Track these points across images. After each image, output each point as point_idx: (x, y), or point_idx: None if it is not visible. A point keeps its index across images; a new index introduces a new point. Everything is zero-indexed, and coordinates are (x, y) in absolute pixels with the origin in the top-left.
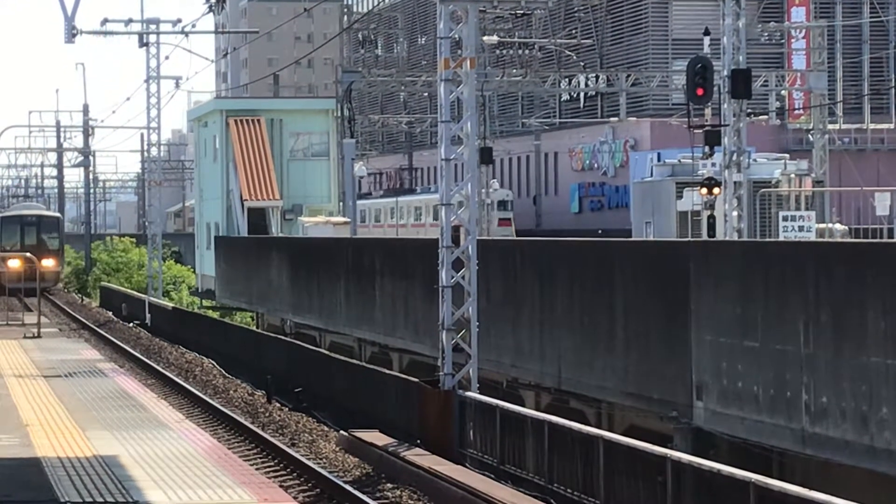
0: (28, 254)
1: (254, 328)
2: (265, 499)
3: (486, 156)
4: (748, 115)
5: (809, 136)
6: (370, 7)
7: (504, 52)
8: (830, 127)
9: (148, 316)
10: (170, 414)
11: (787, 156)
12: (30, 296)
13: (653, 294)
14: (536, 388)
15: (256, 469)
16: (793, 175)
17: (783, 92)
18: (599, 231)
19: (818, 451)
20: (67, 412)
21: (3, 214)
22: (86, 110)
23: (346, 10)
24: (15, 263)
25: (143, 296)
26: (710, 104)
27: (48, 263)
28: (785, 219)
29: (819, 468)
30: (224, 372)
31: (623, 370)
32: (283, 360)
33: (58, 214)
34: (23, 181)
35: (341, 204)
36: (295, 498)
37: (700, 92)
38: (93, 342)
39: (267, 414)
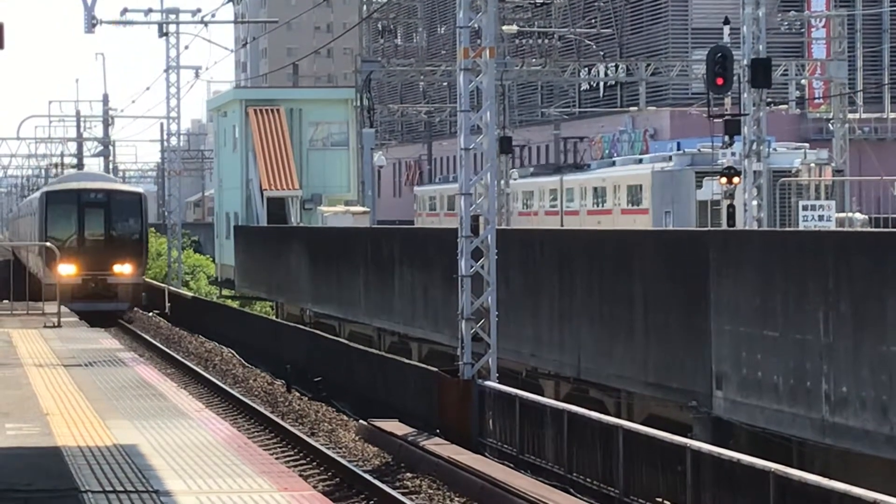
0: (91, 253)
1: (273, 318)
2: (285, 488)
3: (505, 145)
4: (768, 104)
5: (829, 125)
6: None
7: (523, 41)
8: (850, 116)
9: (167, 305)
10: (189, 403)
11: (806, 145)
12: (97, 322)
13: (672, 283)
14: (556, 377)
15: (276, 458)
16: (813, 164)
17: (803, 81)
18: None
19: (838, 440)
20: (87, 401)
21: (49, 188)
22: (105, 100)
23: None
24: (69, 270)
25: (162, 285)
26: (729, 93)
27: (123, 269)
28: (805, 208)
29: (839, 458)
30: (243, 361)
31: (643, 360)
32: (303, 350)
33: (139, 190)
34: (43, 171)
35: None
36: (314, 487)
37: (720, 81)
38: (112, 332)
39: (286, 403)
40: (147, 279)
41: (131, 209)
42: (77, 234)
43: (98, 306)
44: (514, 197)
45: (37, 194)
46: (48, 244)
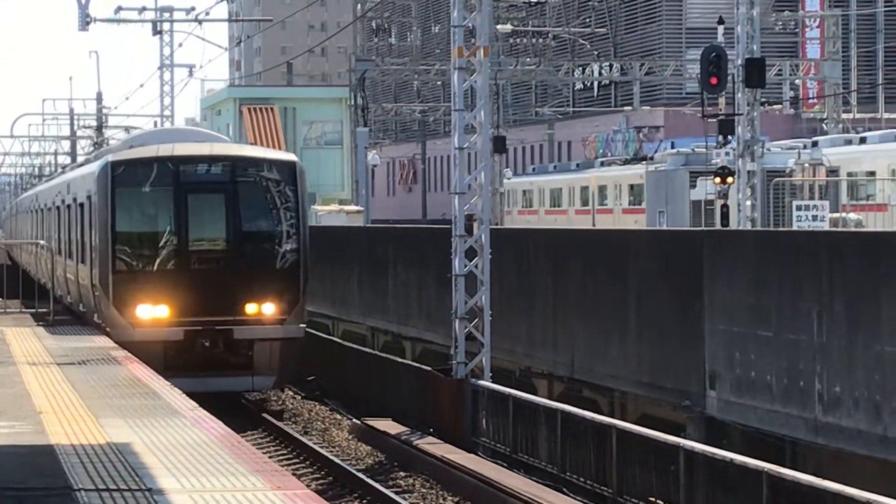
0: (202, 281)
1: None
2: (278, 486)
3: (499, 145)
4: (762, 104)
5: (823, 125)
6: None
7: (518, 40)
8: (844, 116)
9: None
10: (183, 402)
11: (800, 145)
12: (222, 394)
13: (666, 283)
14: (549, 377)
15: (269, 457)
16: (807, 164)
17: (797, 81)
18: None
19: (831, 440)
20: (81, 399)
21: (116, 156)
22: (99, 98)
23: None
24: (157, 314)
25: None
26: (724, 93)
27: (265, 311)
28: (798, 208)
29: (832, 458)
30: None
31: (636, 359)
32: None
33: (291, 157)
34: (36, 168)
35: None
36: (308, 486)
37: (714, 81)
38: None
39: (280, 402)
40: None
41: (278, 194)
42: (173, 246)
43: (218, 384)
44: (541, 193)
45: (80, 172)
46: (115, 250)
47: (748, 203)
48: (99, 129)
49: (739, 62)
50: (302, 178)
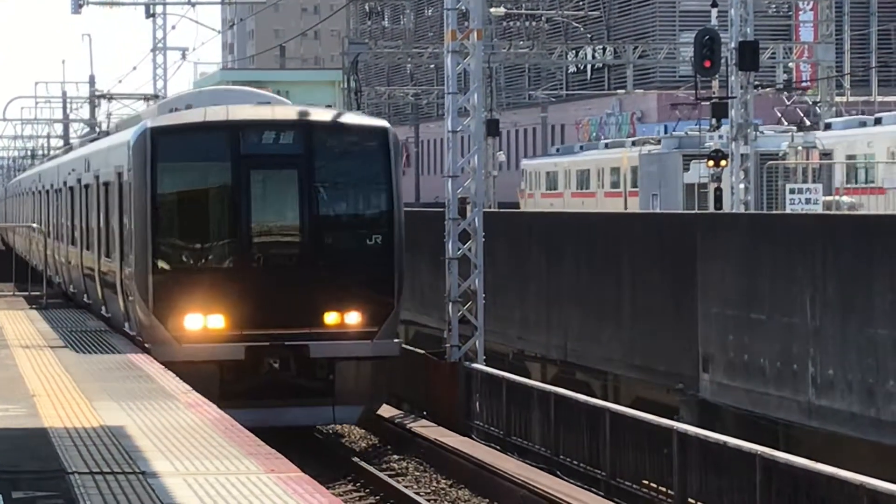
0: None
1: None
2: (272, 469)
3: (492, 128)
4: (755, 87)
5: (817, 108)
6: None
7: (511, 23)
8: (838, 99)
9: None
10: (176, 385)
11: (794, 128)
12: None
13: (660, 266)
14: (542, 359)
15: (263, 440)
16: (800, 147)
17: (791, 64)
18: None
19: (824, 423)
20: (74, 383)
21: (157, 122)
22: (92, 81)
23: None
24: (210, 325)
25: None
26: (717, 76)
27: (349, 320)
28: (792, 191)
29: (825, 440)
30: None
31: (629, 342)
32: None
33: (381, 123)
34: (29, 152)
35: None
36: (301, 469)
37: (707, 64)
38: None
39: None
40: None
41: (366, 170)
42: (232, 237)
43: (289, 417)
44: (566, 175)
45: (104, 144)
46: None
47: (741, 186)
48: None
49: (733, 45)
50: (396, 149)
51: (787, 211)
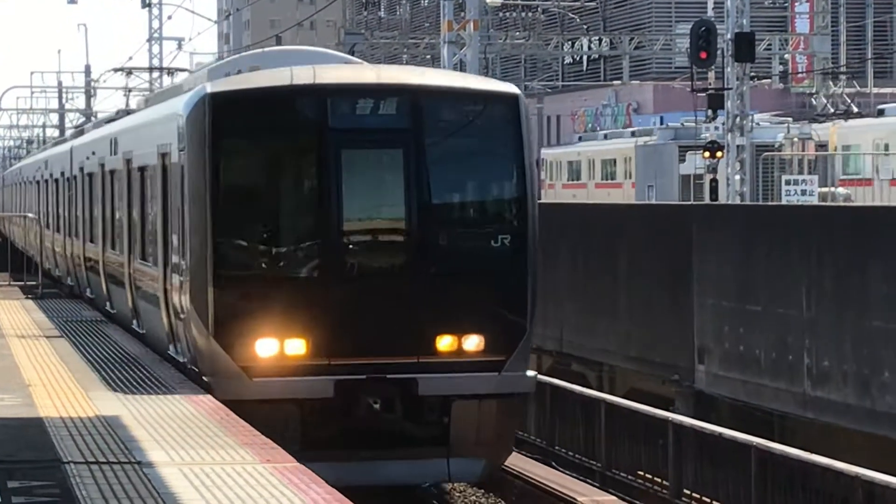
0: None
1: None
2: (267, 459)
3: None
4: (751, 78)
5: (812, 99)
6: None
7: (507, 14)
8: (834, 91)
9: None
10: (172, 375)
11: (790, 119)
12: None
13: (655, 257)
14: (538, 350)
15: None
16: (795, 139)
17: (786, 55)
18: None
19: (819, 414)
20: (70, 372)
21: (216, 87)
22: (87, 71)
23: None
24: (290, 351)
25: None
26: (713, 67)
27: (468, 345)
28: (787, 182)
29: (820, 431)
30: None
31: (626, 333)
32: None
33: (511, 89)
34: (25, 142)
35: None
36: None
37: (703, 55)
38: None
39: None
40: None
41: (492, 150)
42: (318, 238)
43: (392, 473)
44: (590, 164)
45: (140, 119)
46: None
47: (737, 177)
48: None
49: (729, 36)
50: (528, 123)
51: (783, 202)
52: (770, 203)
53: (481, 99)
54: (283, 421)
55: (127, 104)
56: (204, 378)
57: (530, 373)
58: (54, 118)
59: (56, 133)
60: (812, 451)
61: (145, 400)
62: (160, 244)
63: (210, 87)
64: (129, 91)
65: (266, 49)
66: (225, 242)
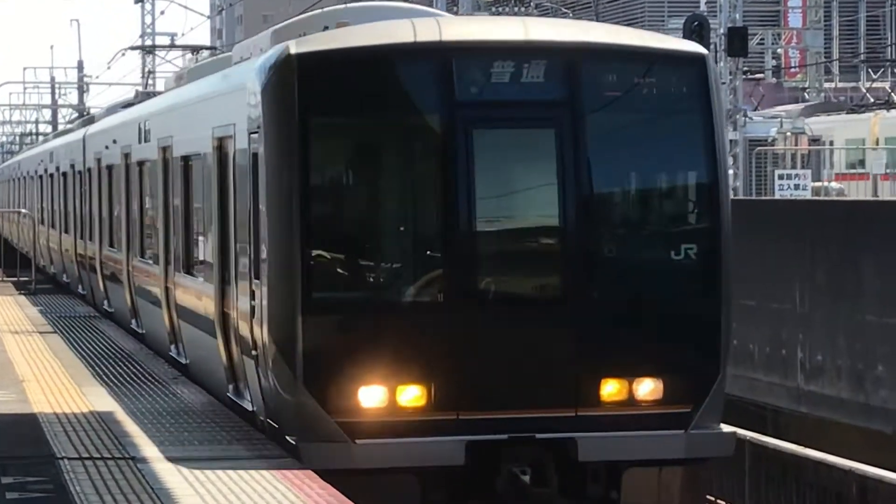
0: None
1: None
2: (262, 455)
3: None
4: (744, 73)
5: (805, 94)
6: None
7: (500, 9)
8: (826, 85)
9: None
10: (166, 370)
11: (783, 114)
12: None
13: None
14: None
15: (252, 426)
16: (789, 133)
17: (779, 50)
18: None
19: (813, 409)
20: (63, 368)
21: (309, 45)
22: (80, 67)
23: None
24: (405, 401)
25: None
26: None
27: (649, 392)
28: (781, 177)
29: (814, 426)
30: None
31: None
32: None
33: (696, 48)
34: (17, 137)
35: None
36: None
37: None
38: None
39: None
40: None
41: (675, 133)
42: (438, 252)
43: None
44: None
45: (188, 93)
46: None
47: (730, 172)
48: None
49: (722, 31)
50: (718, 93)
51: (776, 197)
52: (763, 198)
53: (661, 61)
54: (397, 497)
55: (146, 87)
56: (287, 438)
57: (728, 429)
58: (47, 114)
59: (49, 129)
60: (805, 446)
61: (139, 395)
62: (215, 255)
63: (296, 47)
64: (151, 73)
65: (350, 4)
66: (320, 256)
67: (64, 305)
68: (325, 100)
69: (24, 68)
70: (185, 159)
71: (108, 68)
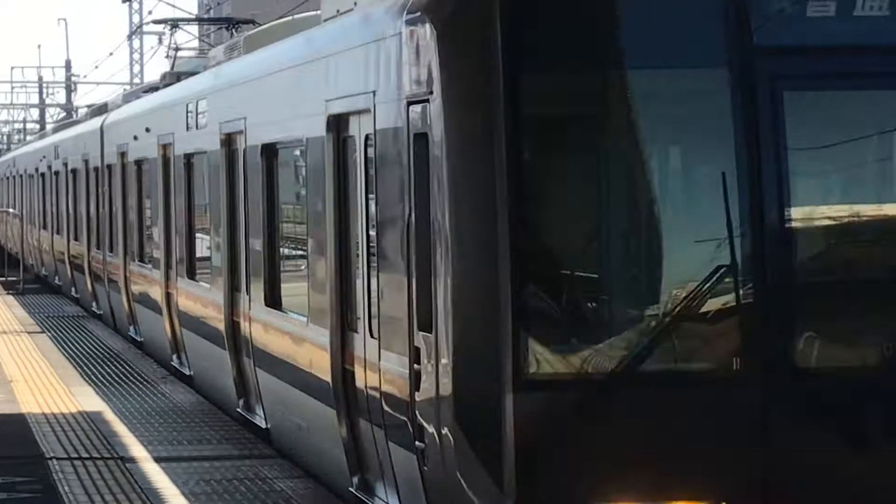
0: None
1: None
2: (250, 453)
3: None
4: None
5: None
6: None
7: None
8: None
9: None
10: (154, 370)
11: None
12: None
13: None
14: None
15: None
16: None
17: None
18: None
19: None
20: (52, 368)
21: None
22: (68, 66)
23: None
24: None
25: None
26: None
27: None
28: None
29: None
30: None
31: None
32: None
33: None
34: (5, 137)
35: None
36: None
37: None
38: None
39: None
40: None
41: None
42: (726, 278)
43: None
44: None
45: (287, 50)
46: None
47: None
48: (68, 97)
49: None
50: None
51: None
52: None
53: None
54: None
55: (173, 66)
56: None
57: None
58: (35, 113)
59: (37, 128)
60: None
61: (127, 395)
62: (330, 283)
63: None
64: (178, 50)
65: None
66: (542, 291)
67: (52, 305)
68: (545, 43)
69: (12, 67)
70: (269, 148)
71: (96, 68)
